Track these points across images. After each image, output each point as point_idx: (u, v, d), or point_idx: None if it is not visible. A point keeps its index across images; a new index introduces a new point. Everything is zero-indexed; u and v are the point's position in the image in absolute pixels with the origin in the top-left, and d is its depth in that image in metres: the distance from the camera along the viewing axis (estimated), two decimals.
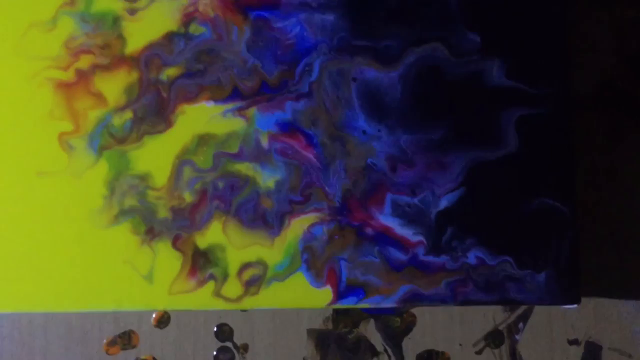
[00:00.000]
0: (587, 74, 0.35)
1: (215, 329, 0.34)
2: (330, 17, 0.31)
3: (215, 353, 0.34)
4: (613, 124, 0.35)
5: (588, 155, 0.35)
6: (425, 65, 0.31)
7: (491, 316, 0.35)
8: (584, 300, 0.34)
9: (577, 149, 0.34)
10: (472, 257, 0.30)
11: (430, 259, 0.30)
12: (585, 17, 0.35)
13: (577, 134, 0.34)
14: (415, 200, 0.31)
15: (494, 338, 0.35)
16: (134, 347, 0.34)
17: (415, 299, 0.31)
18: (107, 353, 0.34)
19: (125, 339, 0.34)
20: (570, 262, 0.30)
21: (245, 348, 0.34)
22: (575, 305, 0.30)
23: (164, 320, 0.34)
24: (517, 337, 0.35)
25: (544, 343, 0.34)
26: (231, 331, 0.34)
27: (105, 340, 0.34)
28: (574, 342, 0.34)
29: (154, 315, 0.34)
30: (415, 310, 0.35)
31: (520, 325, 0.35)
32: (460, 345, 0.35)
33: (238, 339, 0.34)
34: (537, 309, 0.34)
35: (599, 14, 0.35)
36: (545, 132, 0.31)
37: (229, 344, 0.34)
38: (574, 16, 0.34)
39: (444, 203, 0.31)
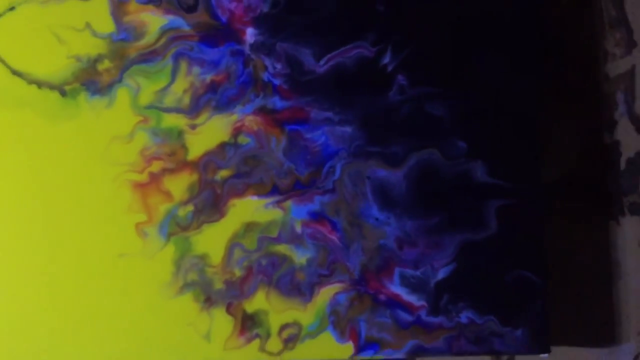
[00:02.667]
0: (554, 166, 0.43)
1: None
2: (348, 129, 0.39)
3: None
4: (576, 208, 0.43)
5: (558, 231, 0.43)
6: (424, 166, 0.39)
7: None
8: (556, 348, 0.41)
9: (548, 228, 0.42)
10: (464, 317, 0.38)
11: (430, 319, 0.39)
12: (553, 119, 0.44)
13: (547, 217, 0.42)
14: (418, 273, 0.39)
15: None
16: None
17: (419, 351, 0.39)
18: None
19: None
20: (542, 321, 0.38)
21: None
22: (546, 355, 0.38)
23: None
24: None
25: None
26: None
27: None
28: None
29: None
30: (420, 358, 0.43)
31: None
32: None
33: None
34: (518, 356, 0.42)
35: (565, 118, 0.44)
36: (520, 217, 0.39)
37: None
38: (543, 119, 0.43)
39: (440, 275, 0.39)
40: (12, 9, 0.40)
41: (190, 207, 0.39)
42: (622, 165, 0.44)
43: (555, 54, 0.44)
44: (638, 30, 0.45)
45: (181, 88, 0.40)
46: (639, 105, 0.44)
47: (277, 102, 0.40)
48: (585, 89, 0.44)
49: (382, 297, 0.39)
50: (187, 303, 0.39)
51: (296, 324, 0.39)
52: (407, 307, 0.39)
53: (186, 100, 0.40)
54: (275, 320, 0.39)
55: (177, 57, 0.40)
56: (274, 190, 0.39)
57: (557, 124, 0.44)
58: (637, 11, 0.45)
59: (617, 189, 0.44)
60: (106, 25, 0.40)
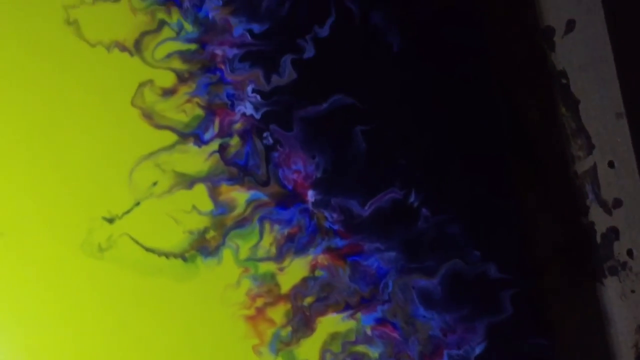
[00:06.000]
0: (547, 247, 0.58)
1: None
2: (393, 254, 0.54)
3: None
4: (569, 277, 0.58)
5: (557, 296, 0.57)
6: (452, 273, 0.54)
7: None
8: None
9: (549, 297, 0.56)
10: None
11: None
12: (539, 212, 0.58)
13: (546, 291, 0.57)
14: (461, 352, 0.53)
15: None
16: None
17: None
18: None
19: None
20: None
21: None
22: None
23: None
24: None
25: None
26: None
27: None
28: None
29: None
30: None
31: None
32: None
33: None
34: None
35: (547, 209, 0.58)
36: (526, 299, 0.53)
37: None
38: (530, 214, 0.57)
39: (477, 351, 0.53)
40: (138, 204, 0.55)
41: (289, 328, 0.54)
42: (598, 239, 0.59)
43: (533, 162, 0.59)
44: (594, 137, 0.59)
45: (268, 242, 0.55)
46: (604, 192, 0.59)
47: (338, 242, 0.54)
48: (561, 185, 0.59)
49: None
50: None
51: None
52: None
53: (273, 250, 0.55)
54: None
55: (261, 220, 0.55)
56: (347, 307, 0.54)
57: (543, 214, 0.58)
58: (591, 122, 0.59)
59: (597, 258, 0.58)
60: (207, 204, 0.55)
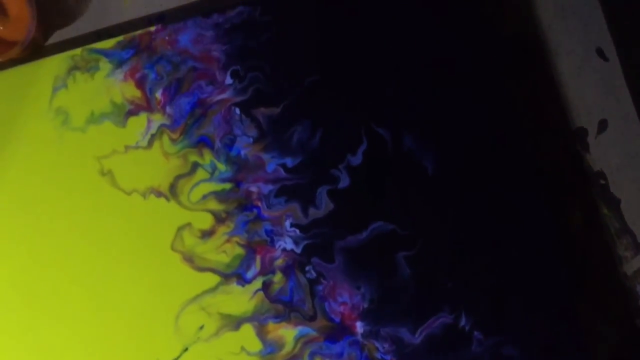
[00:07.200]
0: (605, 352, 0.57)
1: None
2: None
3: None
4: None
5: None
6: None
7: None
8: None
9: None
10: None
11: None
12: (594, 315, 0.57)
13: None
14: None
15: None
16: None
17: None
18: None
19: None
20: None
21: None
22: None
23: None
24: None
25: None
26: None
27: None
28: None
29: None
30: None
31: None
32: None
33: None
34: None
35: (600, 311, 0.57)
36: None
37: None
38: (584, 317, 0.56)
39: None
40: (186, 349, 0.55)
41: None
42: None
43: (580, 267, 0.58)
44: (639, 235, 0.58)
45: None
46: None
47: None
48: (611, 288, 0.58)
49: None
50: None
51: None
52: None
53: None
54: None
55: (312, 355, 0.54)
56: None
57: (597, 322, 0.57)
58: (634, 221, 0.58)
59: None
60: (255, 344, 0.54)
